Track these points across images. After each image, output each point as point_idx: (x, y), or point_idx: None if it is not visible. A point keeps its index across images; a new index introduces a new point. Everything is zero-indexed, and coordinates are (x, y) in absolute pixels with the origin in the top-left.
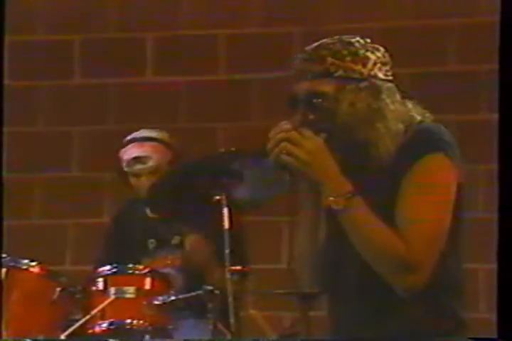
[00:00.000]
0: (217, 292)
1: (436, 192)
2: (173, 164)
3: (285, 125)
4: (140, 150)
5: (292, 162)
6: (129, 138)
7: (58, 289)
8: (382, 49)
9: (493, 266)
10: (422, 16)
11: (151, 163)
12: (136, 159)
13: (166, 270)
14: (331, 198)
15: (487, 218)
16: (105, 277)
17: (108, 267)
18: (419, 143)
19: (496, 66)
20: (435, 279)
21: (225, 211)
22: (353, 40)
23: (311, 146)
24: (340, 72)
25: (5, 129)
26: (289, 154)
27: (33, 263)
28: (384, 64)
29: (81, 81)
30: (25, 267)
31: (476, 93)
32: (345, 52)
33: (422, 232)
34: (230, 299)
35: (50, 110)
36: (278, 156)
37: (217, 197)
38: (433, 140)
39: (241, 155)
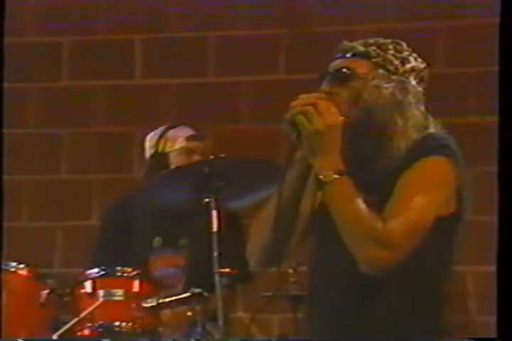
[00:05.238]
0: (205, 294)
1: (427, 189)
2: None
3: (318, 93)
4: (194, 131)
5: (307, 125)
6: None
7: (45, 292)
8: (425, 65)
9: (485, 268)
10: (411, 18)
11: (204, 143)
12: (194, 136)
13: (170, 270)
14: (323, 171)
15: (480, 220)
16: (93, 279)
17: (96, 269)
18: (423, 148)
19: (484, 69)
20: (419, 279)
21: (214, 214)
22: (403, 43)
23: (331, 121)
24: (378, 59)
25: None
26: (307, 118)
27: (21, 266)
28: (420, 75)
29: (69, 83)
30: (13, 270)
31: (464, 95)
32: (390, 46)
33: (403, 220)
34: (220, 302)
35: (38, 112)
36: (296, 115)
37: (207, 200)
38: (437, 146)
39: (230, 160)
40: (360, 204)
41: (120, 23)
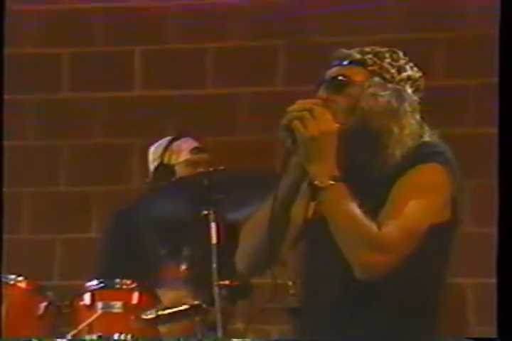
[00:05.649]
0: (204, 306)
1: (422, 195)
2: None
3: (314, 99)
4: (198, 142)
5: (302, 131)
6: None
7: (43, 304)
8: (421, 74)
9: (485, 280)
10: (410, 29)
11: (208, 156)
12: (199, 148)
13: (176, 282)
14: (318, 177)
15: (480, 232)
16: (92, 292)
17: (95, 282)
18: (418, 155)
19: (483, 80)
20: (414, 286)
21: (213, 226)
22: (400, 52)
23: (326, 127)
24: (374, 67)
25: None
26: (303, 124)
27: (20, 278)
28: (416, 84)
29: (69, 95)
30: (12, 282)
31: (464, 107)
32: (387, 54)
33: (397, 225)
34: (218, 314)
35: (37, 124)
36: (291, 121)
37: (205, 212)
38: (432, 153)
39: (229, 173)
40: (355, 209)
41: (119, 34)
